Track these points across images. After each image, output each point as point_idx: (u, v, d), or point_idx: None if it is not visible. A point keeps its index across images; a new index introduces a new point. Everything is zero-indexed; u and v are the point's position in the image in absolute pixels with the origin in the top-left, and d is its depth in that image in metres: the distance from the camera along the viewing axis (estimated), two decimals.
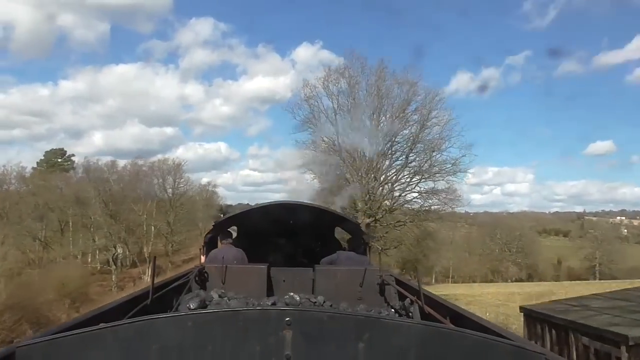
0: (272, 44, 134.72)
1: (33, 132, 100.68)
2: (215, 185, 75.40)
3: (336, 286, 5.02)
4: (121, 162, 59.53)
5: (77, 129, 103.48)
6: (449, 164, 32.43)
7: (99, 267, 51.01)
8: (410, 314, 4.09)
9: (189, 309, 3.67)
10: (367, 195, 31.53)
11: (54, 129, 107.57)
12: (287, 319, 1.78)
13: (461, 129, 32.81)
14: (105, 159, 57.78)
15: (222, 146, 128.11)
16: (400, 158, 33.73)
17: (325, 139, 34.06)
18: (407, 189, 33.10)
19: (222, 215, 10.76)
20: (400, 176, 33.00)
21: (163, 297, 3.80)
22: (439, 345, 1.84)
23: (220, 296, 4.29)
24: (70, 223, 52.84)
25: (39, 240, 49.97)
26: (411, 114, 33.38)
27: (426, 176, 32.36)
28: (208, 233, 6.82)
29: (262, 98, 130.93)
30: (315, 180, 43.79)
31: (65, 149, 68.00)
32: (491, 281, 74.46)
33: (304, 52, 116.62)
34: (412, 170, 32.77)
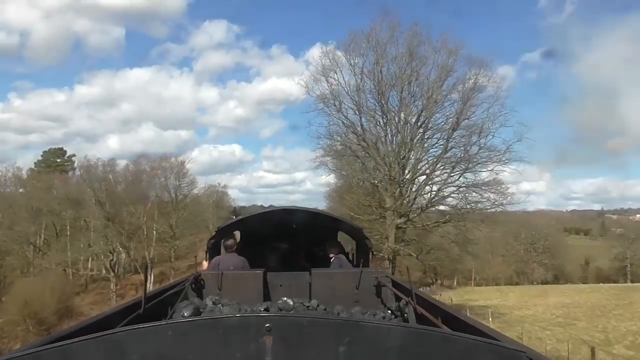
0: (286, 45, 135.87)
1: (50, 136, 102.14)
2: (225, 186, 74.87)
3: (332, 289, 5.05)
4: (122, 162, 56.61)
5: (92, 133, 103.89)
6: (498, 151, 26.21)
7: (92, 275, 47.27)
8: (406, 314, 4.04)
9: (183, 317, 3.66)
10: (398, 190, 26.70)
11: (70, 134, 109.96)
12: (267, 325, 1.73)
13: (512, 106, 27.29)
14: (106, 158, 53.62)
15: (236, 148, 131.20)
16: (438, 145, 28.25)
17: (344, 121, 29.00)
18: (448, 180, 27.39)
19: (234, 217, 10.89)
20: (437, 167, 27.47)
21: (158, 305, 3.70)
22: (420, 348, 1.81)
23: (214, 303, 4.23)
24: (68, 227, 49.70)
25: (33, 246, 46.51)
26: (451, 91, 27.86)
27: (472, 164, 26.43)
28: (211, 238, 6.81)
29: (276, 99, 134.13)
30: (330, 176, 40.21)
31: (65, 149, 64.55)
32: (516, 283, 70.47)
33: (318, 53, 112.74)
34: (451, 160, 27.21)
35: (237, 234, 7.43)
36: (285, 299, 4.22)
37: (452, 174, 26.96)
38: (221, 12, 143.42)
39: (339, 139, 29.96)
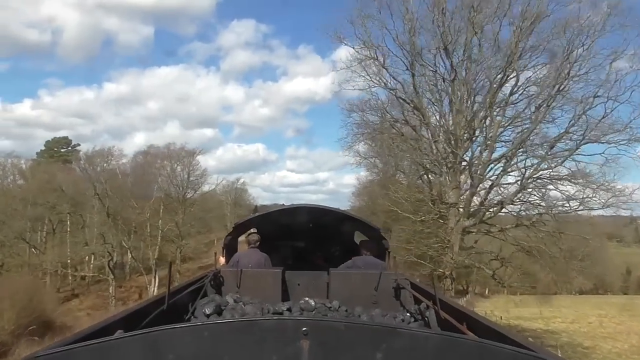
0: (313, 44, 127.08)
1: (78, 133, 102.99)
2: (244, 183, 72.87)
3: (351, 290, 4.98)
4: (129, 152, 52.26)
5: (119, 130, 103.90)
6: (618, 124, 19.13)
7: (88, 276, 42.56)
8: (426, 318, 3.99)
9: (205, 314, 3.75)
10: (466, 178, 20.16)
11: (97, 131, 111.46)
12: (304, 328, 1.73)
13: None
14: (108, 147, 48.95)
15: (260, 147, 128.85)
16: (524, 117, 20.72)
17: (389, 82, 22.16)
18: (540, 167, 19.97)
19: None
20: (525, 147, 20.04)
21: (179, 301, 3.70)
22: (457, 357, 1.79)
23: (235, 301, 4.27)
24: (69, 223, 45.38)
25: (27, 243, 42.17)
26: (552, 35, 19.93)
27: (585, 140, 19.32)
28: (228, 235, 6.90)
29: (302, 99, 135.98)
30: (359, 168, 34.25)
31: (70, 138, 60.32)
32: (555, 293, 64.73)
33: (345, 53, 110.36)
34: (546, 139, 19.93)
35: (254, 230, 7.36)
36: (307, 299, 4.17)
37: (549, 158, 19.75)
38: (249, 12, 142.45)
39: (377, 111, 23.66)
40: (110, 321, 2.69)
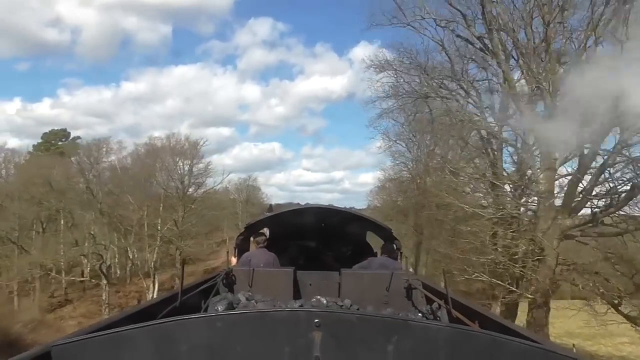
0: (330, 42, 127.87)
1: (96, 132, 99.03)
2: (255, 179, 70.56)
3: (362, 290, 4.99)
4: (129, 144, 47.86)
5: (137, 129, 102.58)
6: None
7: (77, 280, 38.16)
8: (438, 317, 4.03)
9: (217, 311, 3.76)
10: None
11: (115, 130, 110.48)
12: (316, 320, 1.75)
13: None
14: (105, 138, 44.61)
15: (276, 146, 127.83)
16: None
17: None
18: None
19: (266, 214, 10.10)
20: None
21: (191, 299, 3.75)
22: (468, 349, 1.81)
23: (247, 299, 4.32)
24: (62, 221, 41.28)
25: (13, 243, 38.05)
26: None
27: None
28: (240, 235, 6.93)
29: (319, 98, 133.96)
30: (389, 149, 29.94)
31: (68, 130, 56.33)
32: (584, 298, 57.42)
33: (362, 51, 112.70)
34: None
35: (266, 230, 7.30)
36: (318, 297, 4.26)
37: None
38: (267, 10, 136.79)
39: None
40: (123, 316, 2.79)
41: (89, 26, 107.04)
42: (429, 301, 4.45)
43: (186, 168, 40.61)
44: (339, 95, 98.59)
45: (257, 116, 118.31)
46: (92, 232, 34.71)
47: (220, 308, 3.79)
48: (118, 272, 44.67)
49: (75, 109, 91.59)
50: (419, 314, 4.36)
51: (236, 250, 6.62)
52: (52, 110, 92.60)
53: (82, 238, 36.05)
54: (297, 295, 5.04)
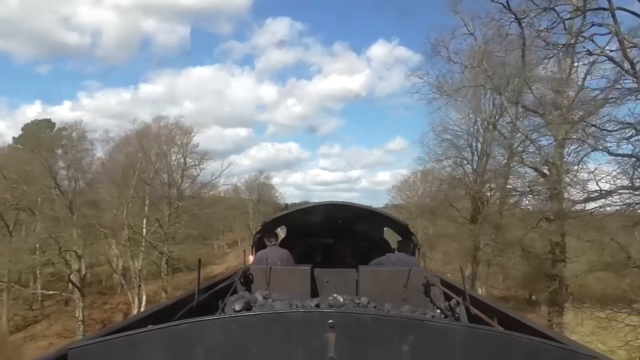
0: (348, 41, 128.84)
1: (115, 134, 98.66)
2: (268, 176, 67.76)
3: (380, 287, 4.96)
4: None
5: None
6: None
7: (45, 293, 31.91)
8: (457, 315, 3.98)
9: (234, 310, 3.78)
10: None
11: (133, 131, 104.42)
12: (331, 321, 1.75)
13: None
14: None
15: (293, 146, 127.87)
16: None
17: None
18: None
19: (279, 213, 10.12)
20: None
21: (209, 298, 3.80)
22: (486, 349, 1.79)
23: (264, 297, 4.29)
24: (41, 223, 35.19)
25: None
26: None
27: None
28: (257, 233, 6.84)
29: (336, 97, 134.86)
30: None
31: (53, 121, 50.19)
32: (630, 303, 50.19)
33: (380, 50, 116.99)
34: None
35: (283, 228, 7.47)
36: (335, 295, 4.21)
37: None
38: (285, 10, 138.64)
39: None
40: (141, 317, 2.79)
41: (108, 29, 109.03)
42: (447, 298, 4.35)
43: (174, 158, 34.06)
44: (357, 94, 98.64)
45: (274, 116, 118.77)
46: (53, 236, 28.13)
47: (237, 307, 3.75)
48: (114, 280, 38.46)
49: (95, 111, 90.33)
50: (437, 311, 4.33)
51: (253, 248, 6.52)
52: (72, 113, 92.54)
53: (44, 243, 29.60)
54: (314, 293, 4.98)
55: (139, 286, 32.17)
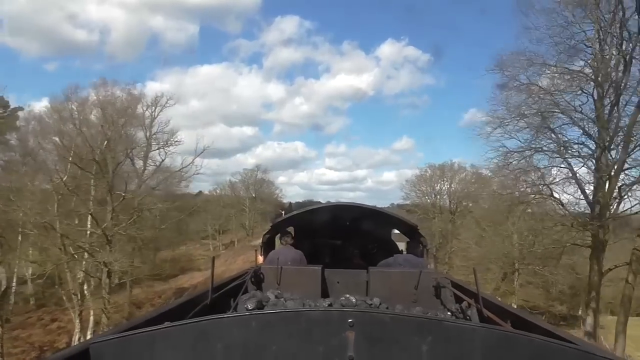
0: (357, 40, 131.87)
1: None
2: (265, 171, 64.67)
3: (390, 288, 4.94)
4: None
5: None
6: None
7: None
8: (468, 317, 3.99)
9: (247, 309, 3.80)
10: None
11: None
12: (350, 320, 1.75)
13: None
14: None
15: (299, 145, 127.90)
16: None
17: None
18: None
19: (283, 213, 9.82)
20: None
21: (222, 297, 3.85)
22: (503, 349, 1.80)
23: (276, 297, 4.32)
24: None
25: None
26: None
27: None
28: (266, 233, 6.91)
29: (344, 96, 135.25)
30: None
31: (7, 100, 42.68)
32: None
33: (389, 49, 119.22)
34: None
35: (291, 229, 7.33)
36: (347, 295, 4.18)
37: None
38: (294, 8, 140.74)
39: None
40: (155, 314, 2.75)
41: (116, 27, 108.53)
42: (458, 300, 4.42)
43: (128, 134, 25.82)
44: (364, 93, 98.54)
45: (281, 115, 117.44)
46: None
47: (250, 306, 3.81)
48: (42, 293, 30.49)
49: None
50: (448, 313, 4.34)
51: (262, 248, 6.58)
52: None
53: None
54: (324, 293, 5.00)
55: (79, 303, 24.21)
